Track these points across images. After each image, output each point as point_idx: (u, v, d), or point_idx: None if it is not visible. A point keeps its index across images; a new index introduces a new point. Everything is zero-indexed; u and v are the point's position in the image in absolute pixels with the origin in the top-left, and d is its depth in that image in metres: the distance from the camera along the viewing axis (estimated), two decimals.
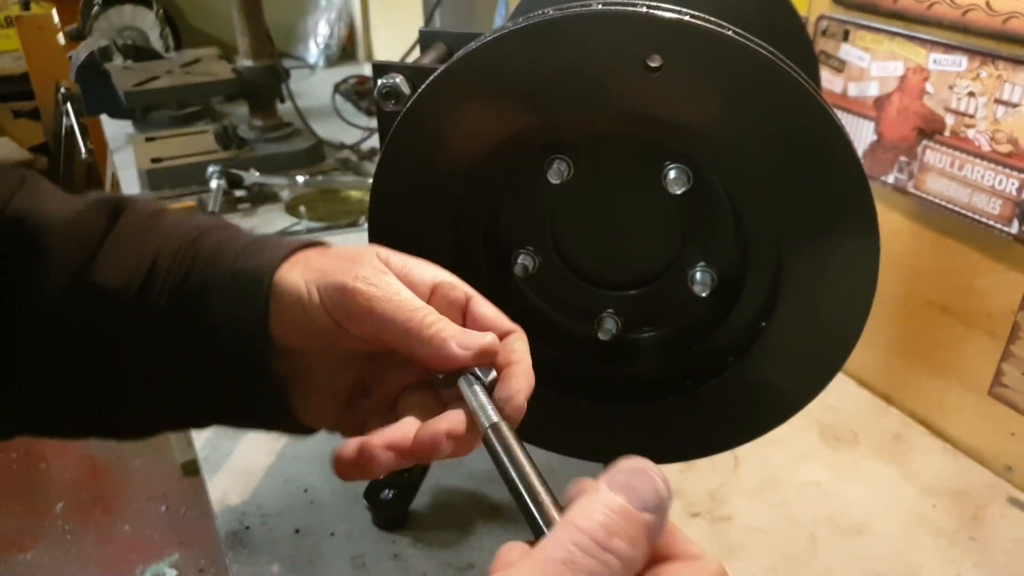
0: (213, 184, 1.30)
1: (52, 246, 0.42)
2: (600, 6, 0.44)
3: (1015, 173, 0.71)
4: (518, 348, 0.42)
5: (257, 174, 1.36)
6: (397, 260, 0.43)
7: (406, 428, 0.40)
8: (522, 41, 0.44)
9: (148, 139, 1.55)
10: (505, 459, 0.35)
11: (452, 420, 0.39)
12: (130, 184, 1.45)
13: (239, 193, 1.34)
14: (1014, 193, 0.71)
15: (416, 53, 0.65)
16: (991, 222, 0.74)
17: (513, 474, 0.34)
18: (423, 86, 0.47)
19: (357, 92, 1.88)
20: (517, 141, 0.48)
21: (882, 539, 0.71)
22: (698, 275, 0.51)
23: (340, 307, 0.41)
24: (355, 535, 0.69)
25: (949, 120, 0.76)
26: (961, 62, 0.74)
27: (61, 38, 2.02)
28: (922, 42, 0.77)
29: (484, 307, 0.43)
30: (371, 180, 0.50)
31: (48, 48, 2.67)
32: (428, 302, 0.42)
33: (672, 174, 0.48)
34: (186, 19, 2.30)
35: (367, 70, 2.14)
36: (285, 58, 2.02)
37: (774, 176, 0.45)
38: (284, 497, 0.73)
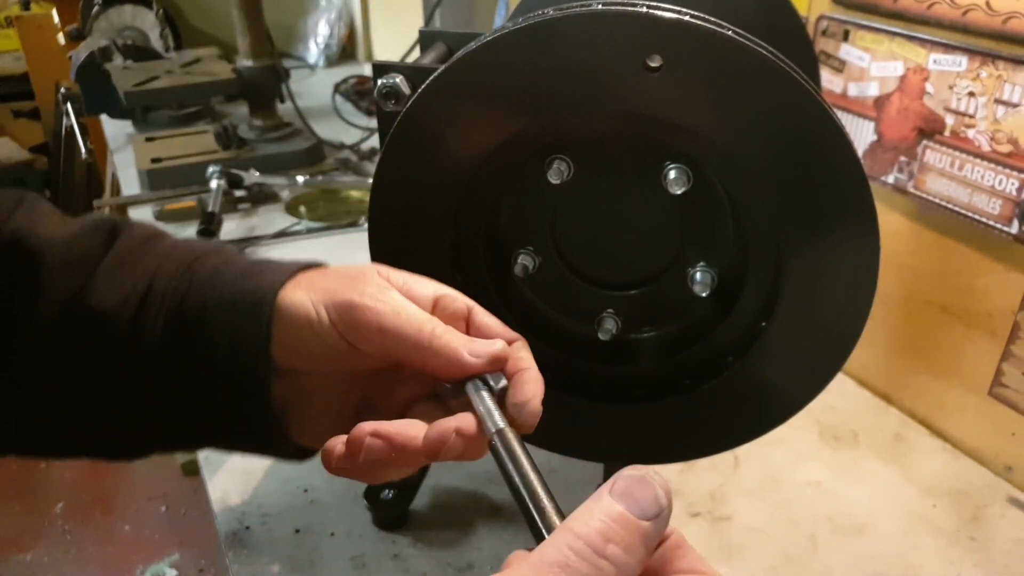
0: (213, 184, 1.30)
1: (48, 267, 0.42)
2: (600, 6, 0.44)
3: (1015, 173, 0.71)
4: (524, 356, 0.43)
5: (257, 174, 1.36)
6: (397, 277, 0.44)
7: (400, 424, 0.40)
8: (522, 41, 0.44)
9: (148, 139, 1.55)
10: (509, 464, 0.35)
11: (462, 419, 0.39)
12: (130, 184, 1.45)
13: (239, 193, 1.34)
14: (1014, 193, 0.71)
15: (416, 53, 0.65)
16: (991, 222, 0.74)
17: (517, 479, 0.34)
18: (423, 86, 0.47)
19: (357, 92, 1.88)
20: (517, 141, 0.48)
21: (882, 539, 0.71)
22: (698, 275, 0.51)
23: (350, 325, 0.41)
24: (355, 535, 0.69)
25: (949, 120, 0.76)
26: (961, 62, 0.74)
27: (61, 38, 2.02)
28: (922, 42, 0.77)
29: (486, 317, 0.44)
30: (371, 180, 0.50)
31: (48, 48, 2.67)
32: (431, 315, 0.43)
33: (672, 174, 0.48)
34: (186, 19, 2.30)
35: (367, 70, 2.14)
36: (285, 58, 2.02)
37: (774, 176, 0.45)
38: (284, 497, 0.73)
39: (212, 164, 1.34)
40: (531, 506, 0.32)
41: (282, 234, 1.26)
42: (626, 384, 0.56)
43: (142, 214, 1.33)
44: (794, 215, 0.46)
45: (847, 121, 0.86)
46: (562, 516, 0.31)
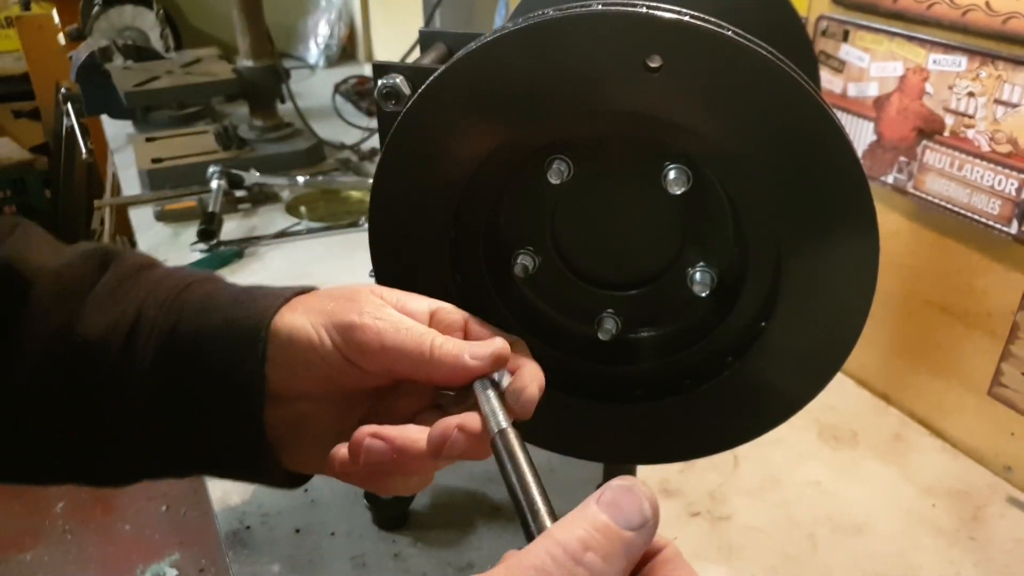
0: (213, 184, 1.30)
1: (38, 296, 0.42)
2: (600, 6, 0.44)
3: (1014, 173, 0.71)
4: (523, 353, 0.44)
5: (257, 174, 1.36)
6: (390, 295, 0.44)
7: (401, 427, 0.40)
8: (522, 41, 0.44)
9: (148, 139, 1.55)
10: (508, 465, 0.35)
11: (465, 416, 0.39)
12: (130, 184, 1.45)
13: (239, 193, 1.34)
14: (1013, 193, 0.71)
15: (416, 53, 0.65)
16: (990, 222, 0.74)
17: (514, 480, 0.34)
18: (423, 86, 0.47)
19: (357, 92, 1.88)
20: (517, 141, 0.48)
21: (882, 539, 0.71)
22: (698, 275, 0.51)
23: (351, 344, 0.41)
24: (355, 535, 0.69)
25: (949, 120, 0.76)
26: (961, 62, 0.74)
27: (61, 38, 2.02)
28: (922, 42, 0.77)
29: (483, 326, 0.45)
30: (371, 180, 0.51)
31: (48, 48, 2.67)
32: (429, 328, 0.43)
33: (672, 174, 0.48)
34: (186, 19, 2.30)
35: (367, 70, 2.14)
36: (285, 58, 2.02)
37: (774, 176, 0.45)
38: (284, 497, 0.73)
39: (212, 164, 1.34)
40: (525, 508, 0.33)
41: (282, 234, 1.26)
42: (626, 384, 0.56)
43: (142, 214, 1.33)
44: (794, 215, 0.46)
45: (847, 121, 0.86)
46: (555, 519, 0.32)
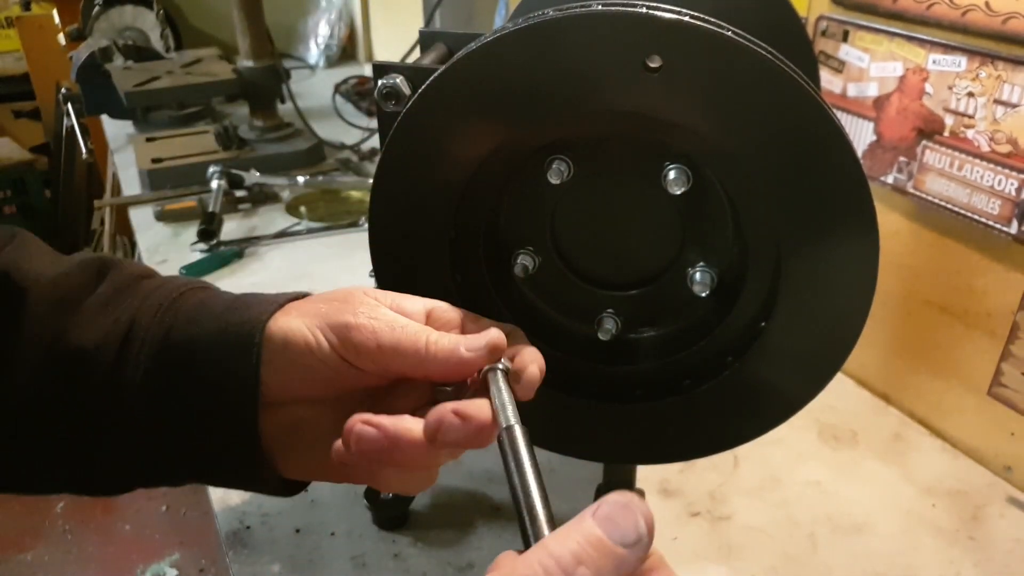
0: (214, 184, 1.30)
1: (33, 305, 0.42)
2: (600, 6, 0.44)
3: (1014, 173, 0.71)
4: (521, 340, 0.44)
5: (258, 174, 1.36)
6: (384, 296, 0.44)
7: (396, 416, 0.40)
8: (522, 42, 0.44)
9: (149, 139, 1.55)
10: (512, 466, 0.35)
11: (461, 402, 0.39)
12: (131, 184, 1.45)
13: (240, 193, 1.34)
14: (1013, 193, 0.71)
15: (416, 53, 0.65)
16: (990, 222, 0.74)
17: (516, 482, 0.34)
18: (423, 86, 0.47)
19: (357, 92, 1.88)
20: (517, 141, 0.48)
21: (882, 539, 0.71)
22: (698, 275, 0.51)
23: (348, 344, 0.41)
24: (355, 535, 0.69)
25: (948, 120, 0.76)
26: (960, 62, 0.74)
27: (62, 38, 2.02)
28: (921, 42, 0.77)
29: (479, 321, 0.45)
30: (371, 180, 0.51)
31: (49, 48, 2.67)
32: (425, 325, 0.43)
33: (672, 174, 0.48)
34: (186, 19, 2.30)
35: (367, 70, 2.14)
36: (285, 58, 2.02)
37: (774, 176, 0.45)
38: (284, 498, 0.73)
39: (213, 164, 1.34)
40: (524, 512, 0.33)
41: (282, 234, 1.26)
42: (626, 384, 0.56)
43: (142, 214, 1.33)
44: (794, 215, 0.46)
45: (846, 121, 0.86)
46: (552, 525, 0.32)
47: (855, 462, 0.80)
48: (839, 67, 0.86)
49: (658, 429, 0.55)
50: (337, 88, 1.86)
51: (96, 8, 1.72)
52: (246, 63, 1.50)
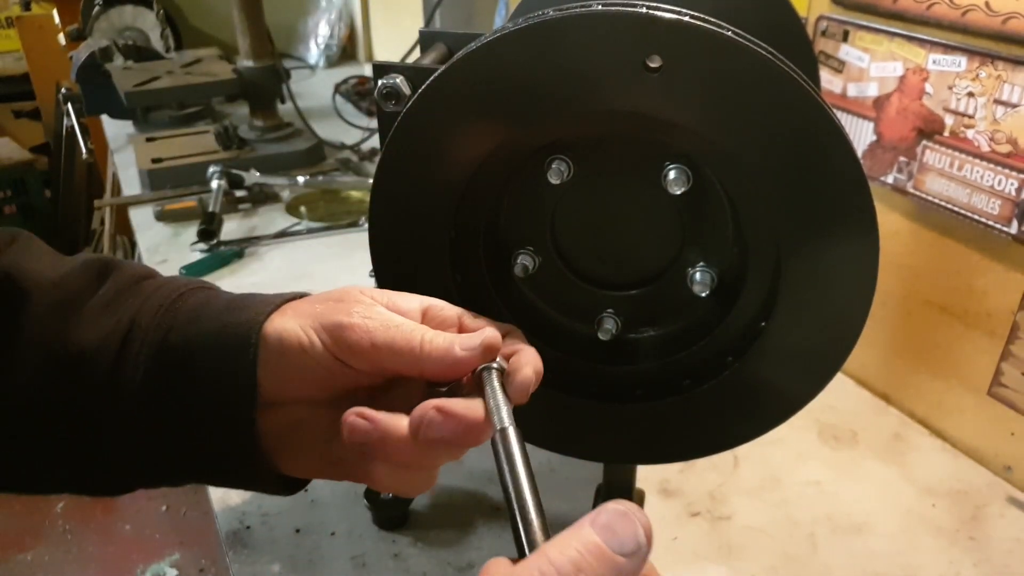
0: (214, 184, 1.30)
1: (35, 306, 0.42)
2: (600, 6, 0.44)
3: (1014, 173, 0.71)
4: (519, 340, 0.44)
5: (258, 174, 1.36)
6: (380, 295, 0.44)
7: (388, 413, 0.40)
8: (522, 42, 0.44)
9: (149, 139, 1.55)
10: (505, 469, 0.35)
11: (446, 400, 0.39)
12: (131, 184, 1.45)
13: (240, 193, 1.34)
14: (1013, 193, 0.71)
15: (416, 53, 0.65)
16: (990, 222, 0.74)
17: (510, 488, 0.34)
18: (423, 87, 0.47)
19: (357, 92, 1.88)
20: (517, 141, 0.48)
21: (881, 539, 0.71)
22: (698, 275, 0.51)
23: (342, 345, 0.41)
24: (355, 535, 0.69)
25: (948, 120, 0.76)
26: (960, 62, 0.74)
27: (62, 38, 2.02)
28: (921, 42, 0.77)
29: (477, 319, 0.44)
30: (371, 180, 0.51)
31: (49, 48, 2.66)
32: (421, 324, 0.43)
33: (672, 174, 0.48)
34: (187, 19, 2.30)
35: (367, 70, 2.14)
36: (285, 58, 2.02)
37: (773, 176, 0.45)
38: (284, 497, 0.73)
39: (213, 164, 1.34)
40: (518, 519, 0.32)
41: (282, 234, 1.26)
42: (626, 384, 0.56)
43: (142, 214, 1.33)
44: (794, 215, 0.46)
45: (846, 121, 0.86)
46: (546, 532, 0.32)
47: (855, 462, 0.80)
48: (839, 67, 0.86)
49: (658, 429, 0.55)
50: (337, 88, 1.86)
51: (96, 8, 1.72)
52: (246, 63, 1.50)
